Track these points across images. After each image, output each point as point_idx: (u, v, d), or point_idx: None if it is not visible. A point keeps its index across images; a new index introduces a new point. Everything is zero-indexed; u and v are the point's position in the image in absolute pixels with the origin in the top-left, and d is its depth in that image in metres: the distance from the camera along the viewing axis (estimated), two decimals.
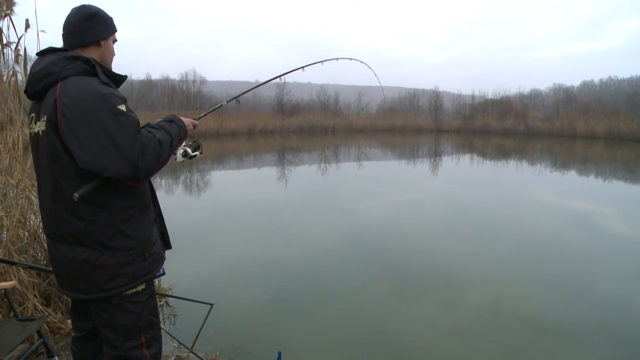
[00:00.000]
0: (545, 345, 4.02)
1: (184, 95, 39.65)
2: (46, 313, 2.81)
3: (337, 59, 3.01)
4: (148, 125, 1.61)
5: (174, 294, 4.44)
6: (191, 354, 3.39)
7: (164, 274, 3.72)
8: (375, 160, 22.04)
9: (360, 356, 3.78)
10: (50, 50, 1.52)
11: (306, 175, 16.06)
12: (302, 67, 2.58)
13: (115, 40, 1.61)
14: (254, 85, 2.81)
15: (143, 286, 1.67)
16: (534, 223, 8.73)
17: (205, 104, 39.64)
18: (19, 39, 2.98)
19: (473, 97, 46.28)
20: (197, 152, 1.96)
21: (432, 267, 6.05)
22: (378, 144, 30.45)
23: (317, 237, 7.41)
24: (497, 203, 10.88)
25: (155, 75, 46.39)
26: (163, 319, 4.30)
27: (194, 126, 1.87)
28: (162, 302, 4.49)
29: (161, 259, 1.78)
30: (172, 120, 1.72)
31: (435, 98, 45.68)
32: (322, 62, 2.88)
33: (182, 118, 1.79)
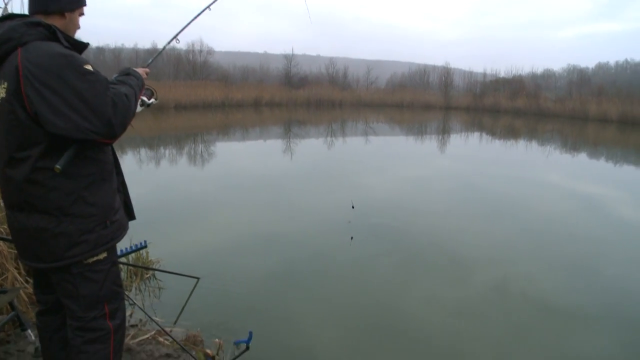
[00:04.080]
0: (551, 327, 3.89)
1: (190, 65, 39.01)
2: (26, 285, 2.63)
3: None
4: (107, 81, 1.57)
5: (161, 267, 4.36)
6: (174, 329, 3.32)
7: (145, 246, 3.68)
8: (383, 136, 21.82)
9: (364, 333, 3.67)
10: (11, 17, 1.48)
11: (312, 148, 15.93)
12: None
13: (82, 14, 1.59)
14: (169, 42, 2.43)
15: (105, 254, 1.65)
16: (543, 203, 8.53)
17: (212, 74, 39.11)
18: (6, 5, 2.76)
19: (484, 74, 45.32)
20: (152, 99, 1.97)
21: (438, 244, 5.93)
22: (386, 119, 30.13)
23: (321, 211, 7.28)
24: (506, 182, 10.65)
25: (162, 44, 45.59)
26: (149, 292, 4.22)
27: (147, 74, 1.88)
28: (148, 275, 4.40)
29: (123, 228, 1.74)
30: (129, 73, 1.72)
31: (446, 74, 44.75)
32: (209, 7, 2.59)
33: (135, 69, 1.80)
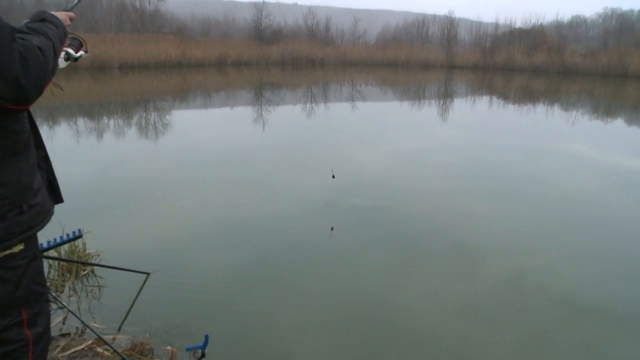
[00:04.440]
0: (578, 330, 3.91)
1: (137, 14, 37.92)
2: None
3: None
4: (14, 30, 1.45)
5: (102, 262, 4.27)
6: (117, 337, 3.26)
7: (80, 236, 3.56)
8: (373, 101, 21.81)
9: (352, 337, 3.66)
10: None
11: (289, 117, 15.87)
12: None
13: None
14: None
15: (21, 246, 1.58)
16: (567, 181, 8.63)
17: (165, 27, 38.18)
18: None
19: (497, 25, 45.39)
20: (82, 52, 1.90)
21: (440, 230, 5.97)
22: (377, 81, 30.06)
23: (300, 193, 7.27)
24: (521, 156, 10.77)
25: None
26: (86, 292, 4.12)
27: (71, 19, 1.76)
28: (85, 272, 4.31)
29: (46, 213, 1.69)
30: (44, 19, 1.60)
31: (449, 26, 44.67)
32: None
33: (54, 13, 1.67)
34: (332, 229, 5.80)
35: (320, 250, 5.27)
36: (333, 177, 6.79)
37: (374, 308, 4.13)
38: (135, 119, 14.48)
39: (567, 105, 20.48)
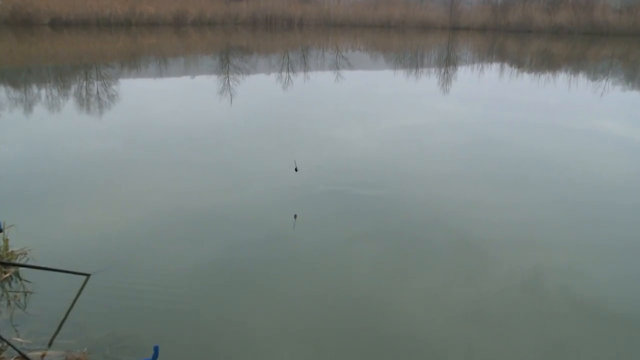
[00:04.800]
0: (605, 340, 3.93)
1: None
2: None
3: None
4: None
5: (30, 262, 4.23)
6: (47, 353, 3.21)
7: (0, 229, 3.48)
8: (362, 69, 21.82)
9: (337, 350, 3.65)
10: None
11: (261, 89, 15.79)
12: None
13: None
14: None
15: None
16: (592, 165, 8.69)
17: None
18: None
19: None
20: None
21: (442, 223, 5.98)
22: (366, 46, 30.00)
23: (275, 180, 7.21)
24: (538, 135, 10.84)
25: None
26: (8, 300, 4.01)
27: None
28: (8, 274, 4.21)
29: None
30: None
31: None
32: None
33: None
34: (295, 217, 5.82)
35: (298, 247, 5.24)
36: (296, 170, 6.73)
37: (363, 316, 4.12)
38: (73, 89, 14.23)
39: (595, 74, 20.63)
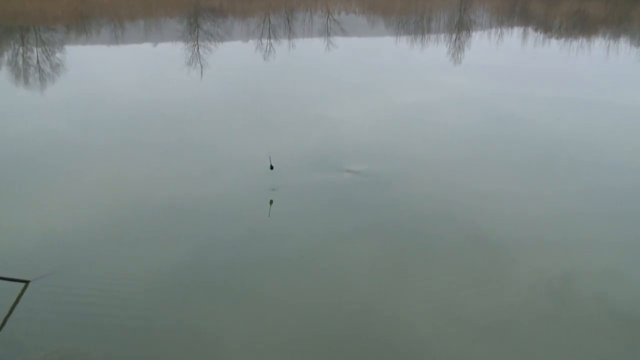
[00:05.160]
0: None
1: None
2: None
3: None
4: None
5: None
6: None
7: None
8: (358, 36, 21.73)
9: None
10: None
11: (237, 59, 15.76)
12: None
13: None
14: None
15: None
16: (631, 149, 8.66)
17: None
18: None
19: None
20: None
21: (452, 217, 5.96)
22: (362, 8, 29.86)
23: (255, 167, 7.09)
24: (568, 112, 10.81)
25: None
26: None
27: None
28: None
29: None
30: None
31: None
32: None
33: None
34: (271, 202, 5.90)
35: (281, 247, 5.23)
36: (271, 167, 6.67)
37: (357, 329, 4.11)
38: (6, 57, 14.12)
39: (638, 40, 20.59)
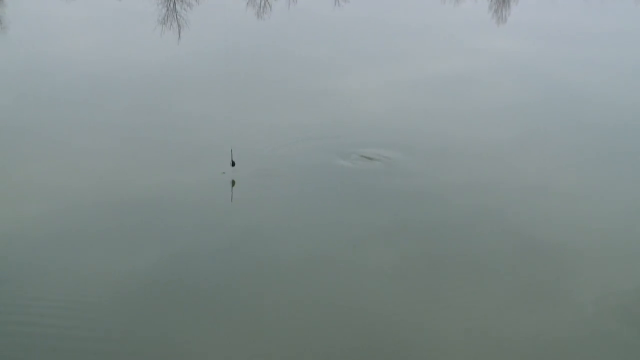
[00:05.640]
0: None
1: None
2: None
3: None
4: None
5: None
6: None
7: None
8: None
9: None
10: None
11: (224, 17, 15.26)
12: None
13: None
14: None
15: None
16: None
17: None
18: None
19: None
20: None
21: (494, 218, 5.95)
22: None
23: (246, 154, 7.02)
24: None
25: None
26: None
27: None
28: None
29: None
30: None
31: None
32: None
33: None
34: (233, 183, 6.09)
35: (278, 253, 5.19)
36: (233, 164, 6.61)
37: (375, 355, 4.07)
38: None
39: None
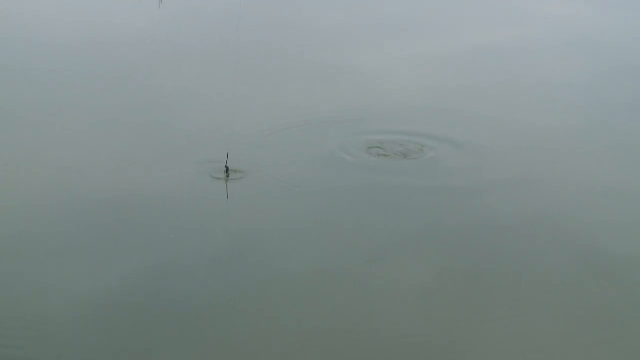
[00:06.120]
0: None
1: None
2: None
3: None
4: None
5: None
6: None
7: None
8: None
9: None
10: None
11: None
12: None
13: None
14: None
15: None
16: None
17: None
18: None
19: None
20: None
21: (551, 226, 5.48)
22: None
23: (243, 142, 6.56)
24: None
25: None
26: None
27: None
28: None
29: None
30: None
31: None
32: None
33: None
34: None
35: (284, 265, 4.87)
36: (227, 169, 6.15)
37: None
38: None
39: None
